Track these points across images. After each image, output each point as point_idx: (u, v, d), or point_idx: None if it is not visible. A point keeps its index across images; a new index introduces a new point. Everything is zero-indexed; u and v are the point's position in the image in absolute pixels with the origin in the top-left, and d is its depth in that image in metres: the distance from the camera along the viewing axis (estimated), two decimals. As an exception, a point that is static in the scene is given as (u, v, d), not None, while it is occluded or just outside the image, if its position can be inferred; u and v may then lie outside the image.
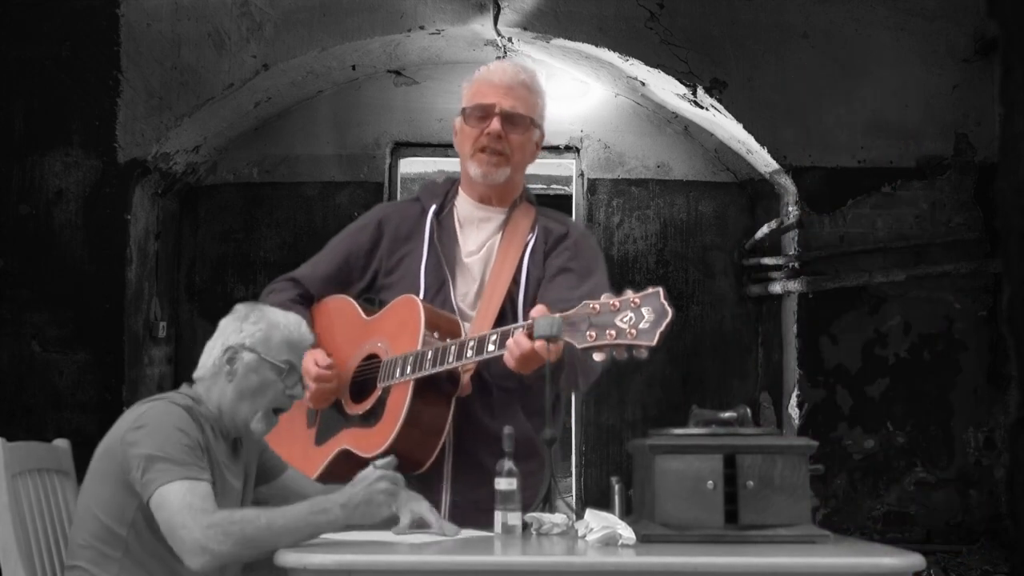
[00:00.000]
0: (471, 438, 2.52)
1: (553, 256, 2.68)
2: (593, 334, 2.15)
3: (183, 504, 2.01)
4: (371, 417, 2.55)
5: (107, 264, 5.21)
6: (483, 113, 2.67)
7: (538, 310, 2.28)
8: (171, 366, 5.76)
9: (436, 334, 2.51)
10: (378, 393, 2.56)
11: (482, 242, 2.71)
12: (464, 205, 2.76)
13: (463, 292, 2.66)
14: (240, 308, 2.35)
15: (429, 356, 2.45)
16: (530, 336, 2.27)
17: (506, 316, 2.59)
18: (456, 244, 2.71)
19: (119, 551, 2.16)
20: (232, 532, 1.96)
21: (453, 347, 2.43)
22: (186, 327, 5.83)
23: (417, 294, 2.63)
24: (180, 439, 2.12)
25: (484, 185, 2.70)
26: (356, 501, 2.04)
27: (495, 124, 2.66)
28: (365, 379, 2.62)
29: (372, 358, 2.63)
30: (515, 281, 2.63)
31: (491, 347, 2.36)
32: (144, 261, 5.42)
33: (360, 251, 2.79)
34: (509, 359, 2.32)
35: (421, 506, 2.20)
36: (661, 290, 2.14)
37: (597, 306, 2.17)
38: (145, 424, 2.14)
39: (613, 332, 2.12)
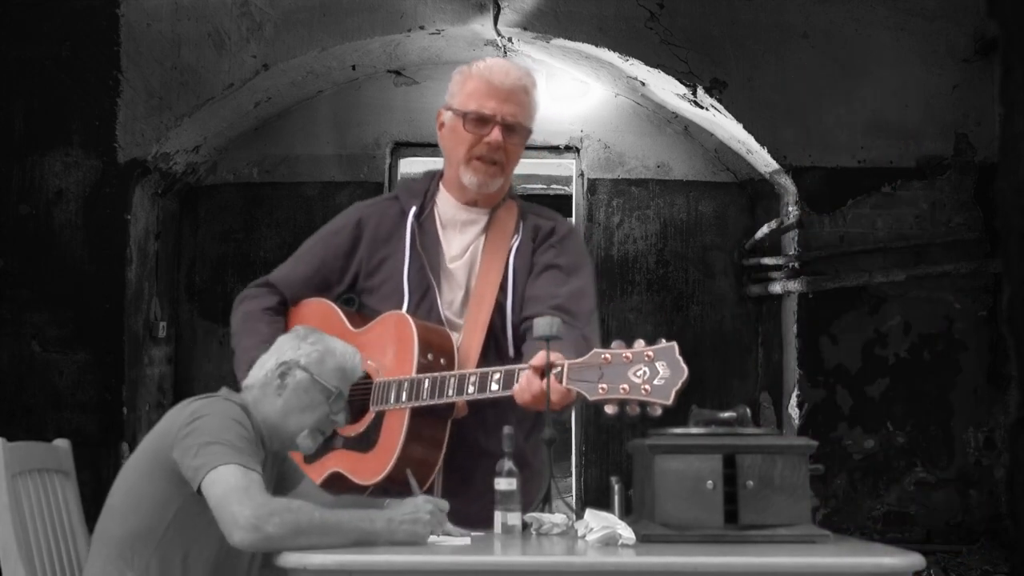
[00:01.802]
0: (464, 456, 2.46)
1: (539, 253, 2.62)
2: (605, 387, 2.09)
3: (240, 484, 2.03)
4: (364, 441, 2.49)
5: (107, 264, 5.21)
6: (482, 119, 2.59)
7: (539, 358, 2.21)
8: (171, 366, 5.76)
9: (430, 355, 2.44)
10: (371, 416, 2.50)
11: (465, 246, 2.64)
12: (447, 206, 2.68)
13: (448, 299, 2.59)
14: (300, 329, 2.37)
15: (427, 386, 2.37)
16: (541, 376, 2.20)
17: (495, 325, 2.54)
18: (439, 248, 2.63)
19: (150, 547, 2.17)
20: (287, 519, 1.98)
21: (452, 380, 2.35)
22: (186, 327, 5.82)
23: (401, 301, 2.56)
24: (239, 430, 2.14)
25: (476, 192, 2.63)
26: (401, 519, 2.05)
27: (496, 134, 2.58)
28: (354, 399, 2.53)
29: (362, 376, 2.54)
30: (502, 288, 2.56)
31: (495, 386, 2.29)
32: (144, 261, 5.42)
33: (338, 253, 2.69)
34: (522, 396, 2.24)
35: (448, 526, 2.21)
36: (675, 345, 2.10)
37: (609, 356, 2.11)
38: (203, 416, 2.15)
39: (626, 387, 2.07)
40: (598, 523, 2.05)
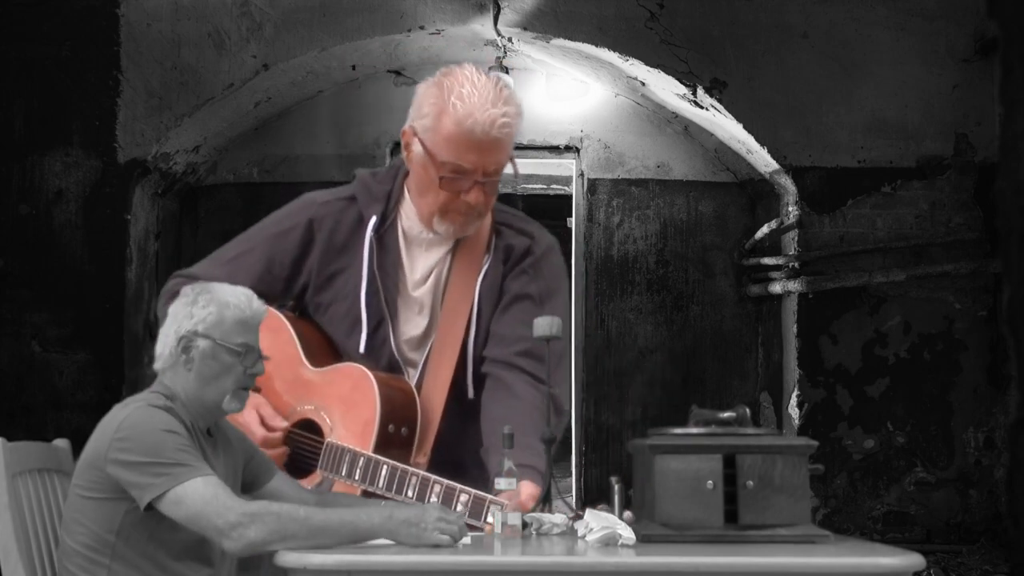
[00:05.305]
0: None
1: (511, 278, 2.33)
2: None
3: (210, 495, 2.01)
4: None
5: (107, 264, 5.21)
6: (461, 174, 2.22)
7: (518, 498, 2.07)
8: (171, 366, 5.76)
9: (391, 426, 2.23)
10: (318, 479, 2.32)
11: (429, 268, 2.34)
12: (412, 220, 2.35)
13: (406, 332, 2.33)
14: (188, 291, 2.25)
15: (384, 474, 2.17)
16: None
17: (456, 366, 2.29)
18: (400, 271, 2.33)
19: (107, 556, 2.16)
20: (269, 522, 1.95)
21: (414, 479, 2.15)
22: (186, 327, 5.82)
23: (354, 327, 2.32)
24: (173, 441, 2.10)
25: (451, 236, 2.31)
26: (400, 518, 1.97)
27: (476, 194, 2.23)
28: (300, 451, 2.34)
29: (310, 425, 2.34)
30: (467, 325, 2.28)
31: (459, 507, 2.09)
32: (144, 261, 5.42)
33: (287, 258, 2.40)
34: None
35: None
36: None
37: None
38: (130, 435, 2.11)
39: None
40: (598, 523, 2.05)
